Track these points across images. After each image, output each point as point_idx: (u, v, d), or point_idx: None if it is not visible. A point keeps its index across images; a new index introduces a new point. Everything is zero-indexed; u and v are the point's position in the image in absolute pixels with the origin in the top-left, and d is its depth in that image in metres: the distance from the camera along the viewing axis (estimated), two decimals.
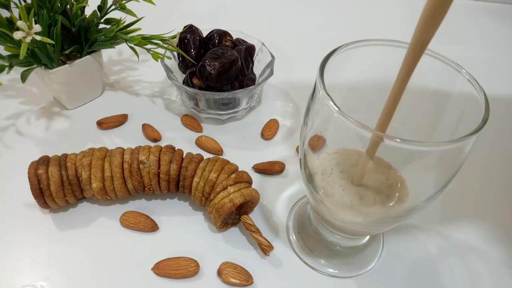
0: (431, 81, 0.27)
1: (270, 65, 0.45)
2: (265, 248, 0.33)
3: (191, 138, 0.43)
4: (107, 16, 0.43)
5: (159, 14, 0.60)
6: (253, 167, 0.40)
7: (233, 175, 0.34)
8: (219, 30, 0.45)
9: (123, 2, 0.42)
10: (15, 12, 0.35)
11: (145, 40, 0.41)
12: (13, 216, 0.35)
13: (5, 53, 0.37)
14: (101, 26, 0.44)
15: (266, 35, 0.52)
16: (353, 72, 0.27)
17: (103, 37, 0.41)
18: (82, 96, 0.46)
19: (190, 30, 0.44)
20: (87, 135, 0.43)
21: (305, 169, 0.28)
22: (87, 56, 0.43)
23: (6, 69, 0.38)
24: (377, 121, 0.24)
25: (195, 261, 0.32)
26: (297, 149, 0.43)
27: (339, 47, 0.25)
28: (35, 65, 0.40)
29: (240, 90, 0.42)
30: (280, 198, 0.38)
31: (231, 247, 0.34)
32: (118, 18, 0.42)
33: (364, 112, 0.29)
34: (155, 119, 0.45)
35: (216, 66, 0.40)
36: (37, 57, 0.39)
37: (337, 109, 0.22)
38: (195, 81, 0.43)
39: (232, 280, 0.31)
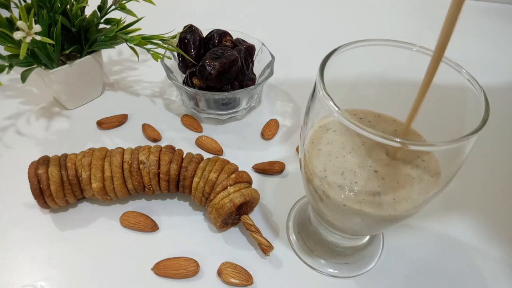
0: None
1: (270, 65, 0.45)
2: (265, 248, 0.33)
3: (191, 138, 0.43)
4: (107, 16, 0.43)
5: (159, 14, 0.60)
6: (253, 167, 0.40)
7: (233, 175, 0.34)
8: (219, 30, 0.45)
9: (123, 2, 0.42)
10: (15, 12, 0.35)
11: (145, 40, 0.41)
12: (13, 216, 0.35)
13: (5, 53, 0.37)
14: (101, 26, 0.44)
15: (266, 35, 0.52)
16: (353, 72, 0.27)
17: (103, 37, 0.41)
18: (82, 96, 0.46)
19: (190, 30, 0.44)
20: (87, 135, 0.43)
21: (305, 169, 0.28)
22: (87, 56, 0.43)
23: (6, 69, 0.38)
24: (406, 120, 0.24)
25: (195, 261, 0.32)
26: (297, 149, 0.43)
27: (339, 47, 0.25)
28: (35, 65, 0.40)
29: (240, 90, 0.42)
30: (280, 198, 0.38)
31: (231, 247, 0.34)
32: (118, 18, 0.42)
33: None
34: (155, 119, 0.45)
35: (216, 66, 0.40)
36: (37, 57, 0.39)
37: (337, 109, 0.22)
38: (195, 81, 0.43)
39: (232, 280, 0.31)
